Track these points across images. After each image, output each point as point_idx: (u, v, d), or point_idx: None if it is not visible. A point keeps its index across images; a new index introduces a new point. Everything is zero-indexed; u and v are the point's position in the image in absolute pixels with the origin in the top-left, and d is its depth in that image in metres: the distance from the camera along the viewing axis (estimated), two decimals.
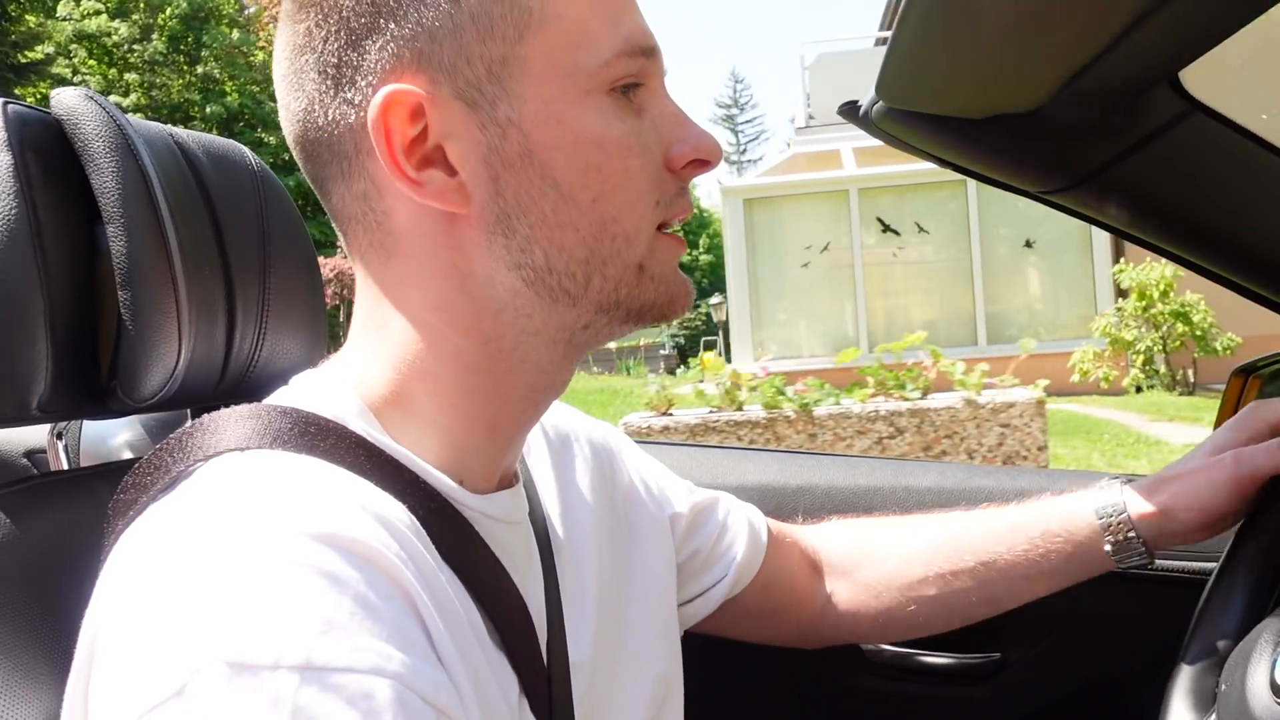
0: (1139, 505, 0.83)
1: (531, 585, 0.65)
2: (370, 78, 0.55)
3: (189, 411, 0.88)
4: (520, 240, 0.57)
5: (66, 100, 0.67)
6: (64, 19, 22.01)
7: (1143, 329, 10.13)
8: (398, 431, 0.59)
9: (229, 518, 0.48)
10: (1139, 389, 10.25)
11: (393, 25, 0.55)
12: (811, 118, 13.21)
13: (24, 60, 20.18)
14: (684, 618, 0.87)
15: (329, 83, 0.56)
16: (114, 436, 1.05)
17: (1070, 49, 0.70)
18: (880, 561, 0.91)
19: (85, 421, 1.02)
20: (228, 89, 23.19)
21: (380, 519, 0.51)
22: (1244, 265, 0.87)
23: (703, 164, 0.61)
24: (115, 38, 22.54)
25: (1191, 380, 10.30)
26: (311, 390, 0.60)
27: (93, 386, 0.69)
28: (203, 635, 0.43)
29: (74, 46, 22.14)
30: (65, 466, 0.84)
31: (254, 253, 0.78)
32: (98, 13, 22.35)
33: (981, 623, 0.88)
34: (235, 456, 0.54)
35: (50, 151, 0.66)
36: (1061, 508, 0.86)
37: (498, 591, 0.59)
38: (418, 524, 0.54)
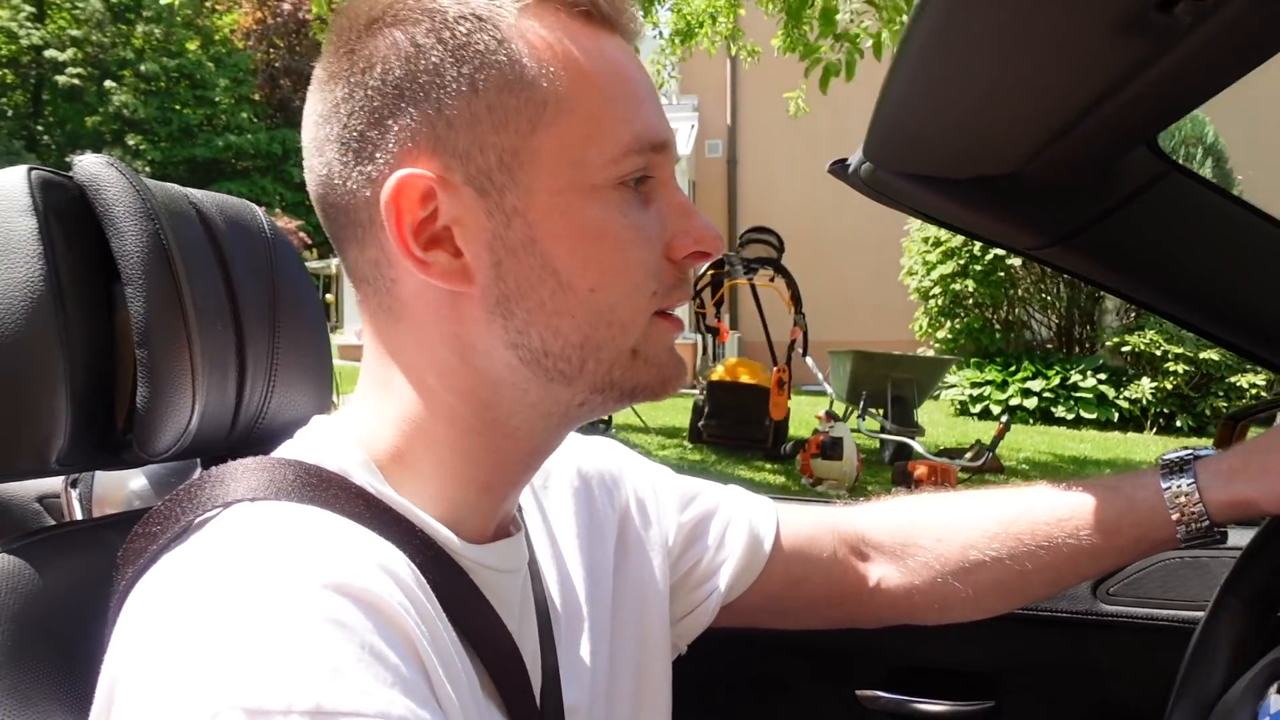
0: (1216, 493, 0.79)
1: (526, 632, 0.67)
2: (388, 156, 0.58)
3: (199, 461, 0.90)
4: (518, 323, 0.59)
5: (89, 167, 0.70)
6: None
7: None
8: (398, 484, 0.61)
9: (241, 567, 0.50)
10: None
11: (413, 109, 0.57)
12: None
13: None
14: (683, 631, 0.86)
15: (350, 154, 0.59)
16: (128, 484, 1.07)
17: (1047, 114, 0.73)
18: (938, 543, 0.88)
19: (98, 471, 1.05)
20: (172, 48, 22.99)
21: (384, 568, 0.53)
22: (1227, 321, 0.89)
23: (704, 255, 0.63)
24: None
25: None
26: (318, 443, 0.63)
27: (108, 439, 0.71)
28: (219, 682, 0.45)
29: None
30: (79, 515, 0.86)
31: (264, 310, 0.80)
32: None
33: (975, 671, 0.89)
34: (245, 507, 0.56)
35: (72, 215, 0.69)
36: (1128, 492, 0.82)
37: (493, 640, 0.61)
38: (418, 572, 0.56)
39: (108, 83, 21.95)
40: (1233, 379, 8.38)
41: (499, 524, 0.67)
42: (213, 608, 0.48)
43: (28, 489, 1.18)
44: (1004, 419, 6.06)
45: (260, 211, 0.86)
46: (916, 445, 6.12)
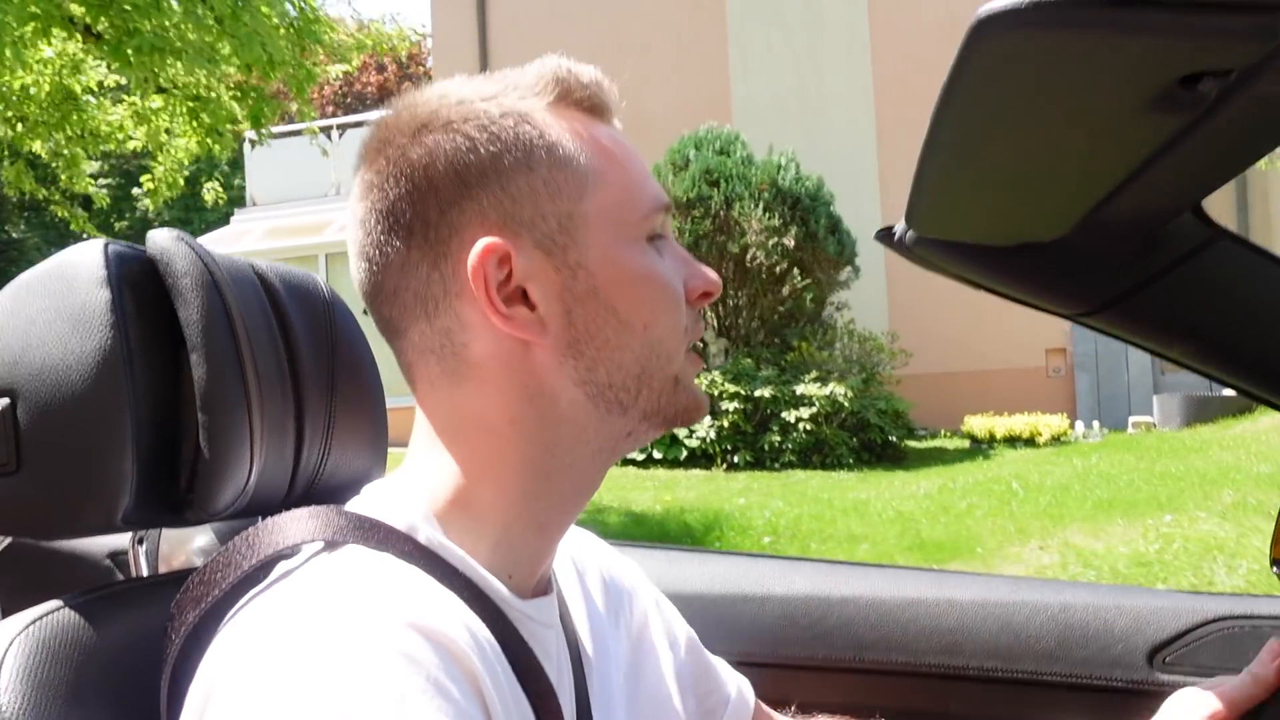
0: None
1: (565, 692, 0.70)
2: (460, 235, 0.66)
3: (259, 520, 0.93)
4: (587, 361, 0.68)
5: (160, 240, 0.75)
6: None
7: None
8: (459, 534, 0.66)
9: (329, 604, 0.56)
10: None
11: (481, 191, 0.66)
12: (254, 201, 14.44)
13: None
14: None
15: (418, 241, 0.67)
16: (192, 541, 1.11)
17: (1090, 183, 0.74)
18: None
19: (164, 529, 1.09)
20: None
21: (452, 611, 0.58)
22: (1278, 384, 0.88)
23: (709, 295, 0.74)
24: None
25: None
26: (382, 497, 0.68)
27: (171, 499, 0.74)
28: (302, 706, 0.50)
29: None
30: (145, 571, 0.89)
31: (323, 375, 0.84)
32: None
33: None
34: (325, 556, 0.62)
35: (144, 286, 0.73)
36: None
37: (544, 695, 0.64)
38: (475, 617, 0.60)
39: None
40: (784, 414, 8.58)
41: (541, 576, 0.72)
42: (302, 640, 0.53)
43: (99, 545, 1.22)
44: None
45: (321, 280, 0.89)
46: None
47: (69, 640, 0.65)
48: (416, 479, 0.69)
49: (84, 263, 0.72)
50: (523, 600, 0.68)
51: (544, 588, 0.73)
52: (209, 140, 6.97)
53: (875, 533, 5.85)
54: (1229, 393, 10.14)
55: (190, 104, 6.84)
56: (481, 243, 0.65)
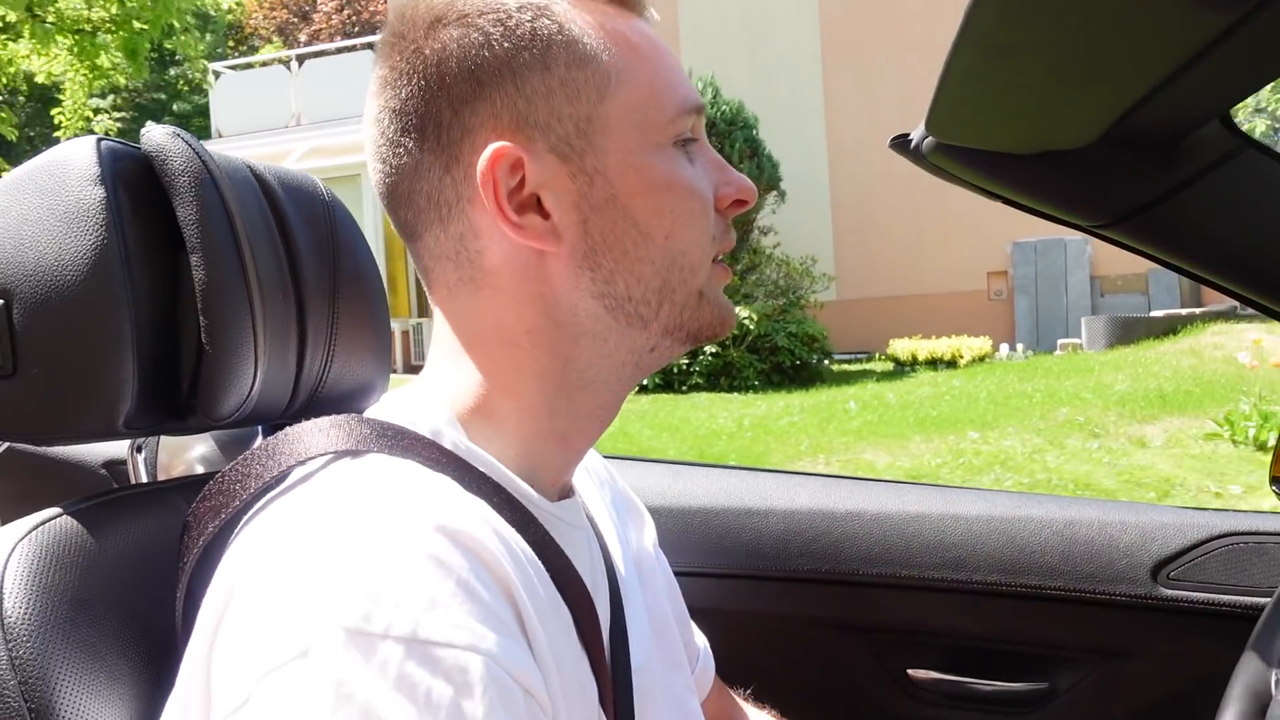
0: None
1: (600, 595, 0.70)
2: (472, 138, 0.63)
3: (260, 429, 0.92)
4: (604, 273, 0.65)
5: (156, 137, 0.72)
6: None
7: None
8: (483, 440, 0.65)
9: (352, 506, 0.54)
10: None
11: (494, 92, 0.63)
12: (220, 134, 14.75)
13: None
14: None
15: (431, 142, 0.64)
16: (190, 449, 1.09)
17: (1120, 89, 0.71)
18: None
19: (162, 436, 1.07)
20: None
21: (480, 515, 0.56)
22: None
23: (743, 203, 0.70)
24: None
25: None
26: (405, 403, 0.67)
27: (174, 405, 0.73)
28: (327, 603, 0.49)
29: None
30: (144, 479, 0.88)
31: (324, 278, 0.81)
32: None
33: (1030, 652, 0.88)
34: (348, 460, 0.60)
35: (139, 185, 0.70)
36: None
37: (581, 598, 0.64)
38: (504, 521, 0.59)
39: None
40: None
41: (565, 484, 0.71)
42: (325, 540, 0.52)
43: (94, 454, 1.21)
44: None
45: (320, 182, 0.87)
46: None
47: (73, 546, 0.64)
48: (438, 386, 0.68)
49: (76, 159, 0.69)
50: (551, 502, 0.67)
51: (567, 492, 0.72)
52: (92, 75, 7.22)
53: (664, 448, 6.12)
54: (1158, 313, 10.32)
55: (74, 37, 6.97)
56: (491, 147, 0.62)
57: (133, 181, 0.70)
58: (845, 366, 10.51)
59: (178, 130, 0.73)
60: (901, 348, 10.55)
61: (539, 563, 0.60)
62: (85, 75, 7.41)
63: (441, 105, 0.63)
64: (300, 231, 0.80)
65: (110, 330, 0.67)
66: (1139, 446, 5.71)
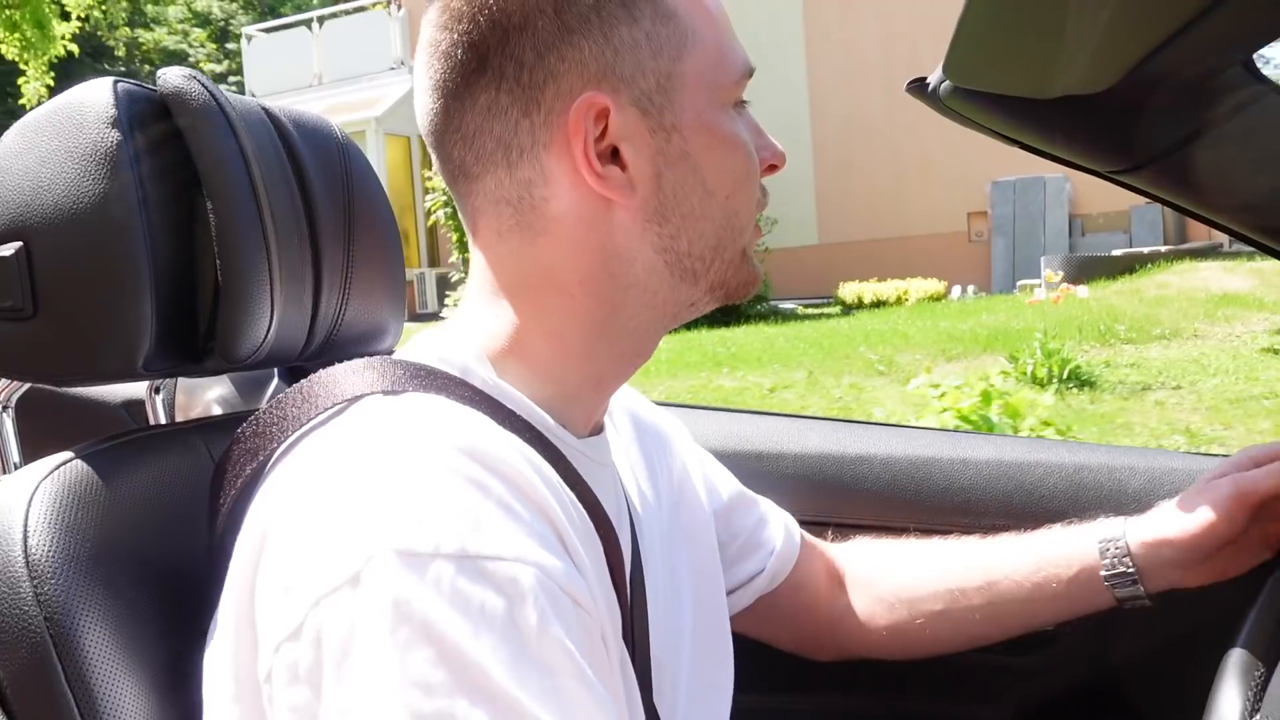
0: (1138, 534, 0.86)
1: (623, 531, 0.71)
2: (558, 83, 0.63)
3: (276, 371, 0.92)
4: (671, 229, 0.66)
5: (171, 79, 0.71)
6: None
7: None
8: (515, 378, 0.66)
9: (387, 438, 0.55)
10: None
11: (584, 40, 0.63)
12: (253, 95, 15.64)
13: None
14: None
15: (510, 81, 0.63)
16: (207, 391, 1.10)
17: (1142, 33, 0.70)
18: (894, 576, 0.96)
19: (180, 378, 1.08)
20: None
21: (514, 445, 0.58)
22: None
23: (776, 168, 0.72)
24: None
25: None
26: (436, 343, 0.67)
27: (191, 347, 0.73)
28: (373, 527, 0.50)
29: None
30: (162, 420, 0.89)
31: (339, 221, 0.82)
32: None
33: None
34: (379, 397, 0.60)
35: (156, 127, 0.70)
36: (1069, 536, 0.90)
37: (608, 531, 0.65)
38: (536, 454, 0.60)
39: None
40: None
41: (597, 423, 0.73)
42: (365, 469, 0.53)
43: (115, 394, 1.22)
44: None
45: (335, 124, 0.86)
46: None
47: (94, 485, 0.65)
48: (470, 327, 0.68)
49: (93, 101, 0.69)
50: (579, 439, 0.69)
51: (597, 429, 0.73)
52: (25, 53, 7.65)
53: None
54: (1118, 252, 10.28)
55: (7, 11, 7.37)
56: (585, 96, 0.62)
57: (149, 123, 0.70)
58: (808, 309, 10.74)
59: (193, 72, 0.72)
60: (850, 291, 10.68)
61: (571, 494, 0.61)
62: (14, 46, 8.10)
63: (526, 47, 0.63)
64: (315, 174, 0.80)
65: (128, 272, 0.67)
66: (902, 384, 5.88)
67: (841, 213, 11.99)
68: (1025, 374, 5.80)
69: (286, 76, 14.91)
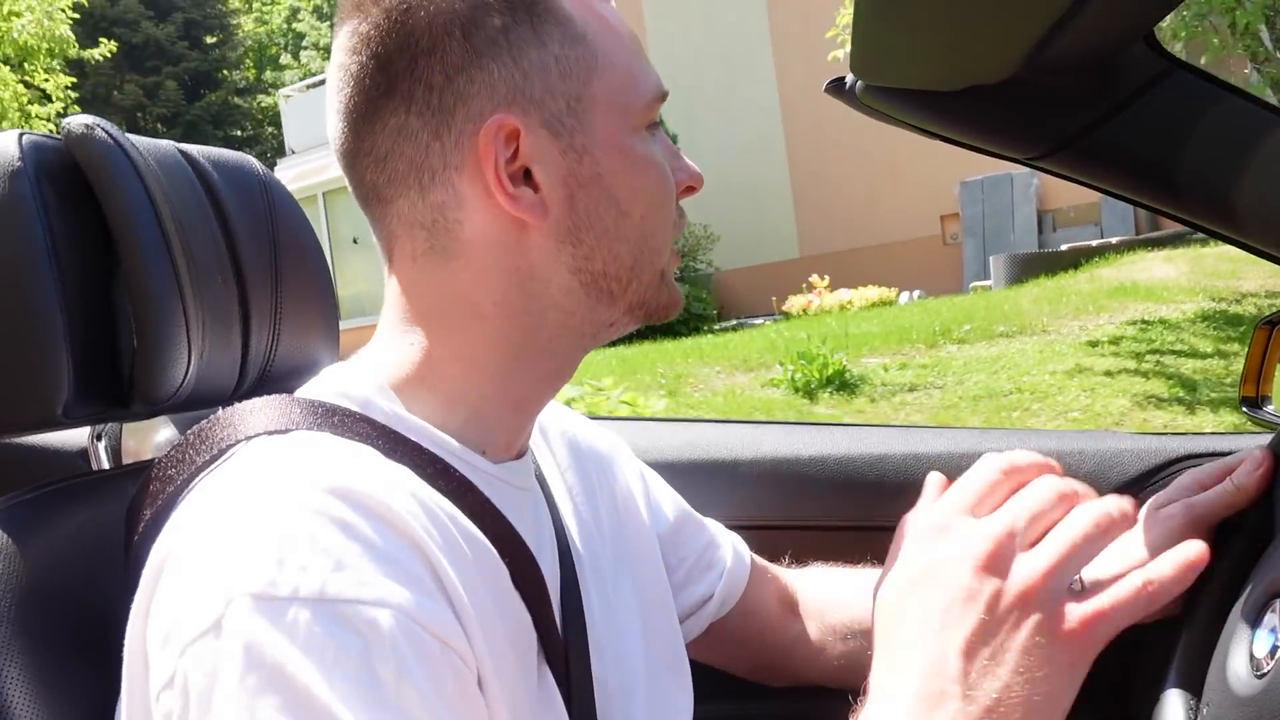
0: (1093, 575, 0.81)
1: (546, 554, 0.71)
2: (467, 106, 0.63)
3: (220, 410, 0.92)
4: (585, 249, 0.67)
5: (74, 129, 0.72)
6: None
7: None
8: (422, 407, 0.66)
9: (260, 480, 0.56)
10: None
11: (492, 63, 0.63)
12: (292, 150, 16.93)
13: None
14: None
15: (419, 104, 0.64)
16: (156, 434, 1.11)
17: (1032, 15, 0.70)
18: (849, 606, 0.95)
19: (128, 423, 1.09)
20: None
21: (388, 479, 0.57)
22: (1237, 220, 0.86)
23: (693, 190, 0.72)
24: None
25: None
26: (337, 376, 0.67)
27: (115, 392, 0.74)
28: (234, 573, 0.50)
29: None
30: (106, 466, 0.90)
31: (264, 259, 0.82)
32: None
33: None
34: (265, 438, 0.61)
35: (64, 177, 0.71)
36: None
37: (520, 558, 0.64)
38: (426, 485, 0.60)
39: None
40: None
41: (520, 446, 0.72)
42: (233, 514, 0.54)
43: (74, 440, 1.22)
44: None
45: (256, 161, 0.87)
46: None
47: (17, 537, 0.66)
48: (377, 357, 0.68)
49: None
50: (494, 463, 0.68)
51: (520, 452, 0.73)
52: None
53: None
54: (1066, 247, 10.19)
55: None
56: (495, 118, 0.63)
57: (57, 173, 0.71)
58: (754, 322, 10.88)
59: (97, 121, 0.73)
60: (797, 303, 10.78)
61: (467, 522, 0.61)
62: None
63: (434, 70, 0.63)
64: (237, 212, 0.81)
65: (39, 323, 0.68)
66: (692, 388, 6.26)
67: (820, 225, 11.97)
68: (788, 379, 6.05)
69: (323, 132, 15.40)
